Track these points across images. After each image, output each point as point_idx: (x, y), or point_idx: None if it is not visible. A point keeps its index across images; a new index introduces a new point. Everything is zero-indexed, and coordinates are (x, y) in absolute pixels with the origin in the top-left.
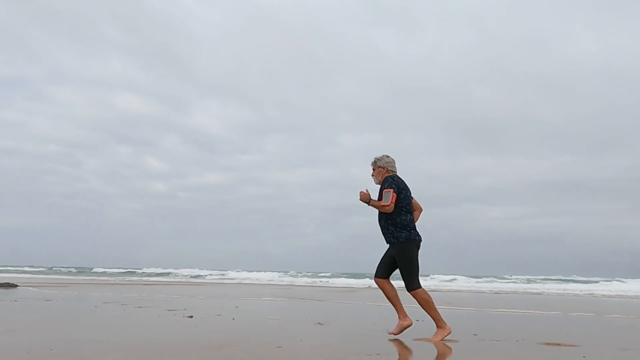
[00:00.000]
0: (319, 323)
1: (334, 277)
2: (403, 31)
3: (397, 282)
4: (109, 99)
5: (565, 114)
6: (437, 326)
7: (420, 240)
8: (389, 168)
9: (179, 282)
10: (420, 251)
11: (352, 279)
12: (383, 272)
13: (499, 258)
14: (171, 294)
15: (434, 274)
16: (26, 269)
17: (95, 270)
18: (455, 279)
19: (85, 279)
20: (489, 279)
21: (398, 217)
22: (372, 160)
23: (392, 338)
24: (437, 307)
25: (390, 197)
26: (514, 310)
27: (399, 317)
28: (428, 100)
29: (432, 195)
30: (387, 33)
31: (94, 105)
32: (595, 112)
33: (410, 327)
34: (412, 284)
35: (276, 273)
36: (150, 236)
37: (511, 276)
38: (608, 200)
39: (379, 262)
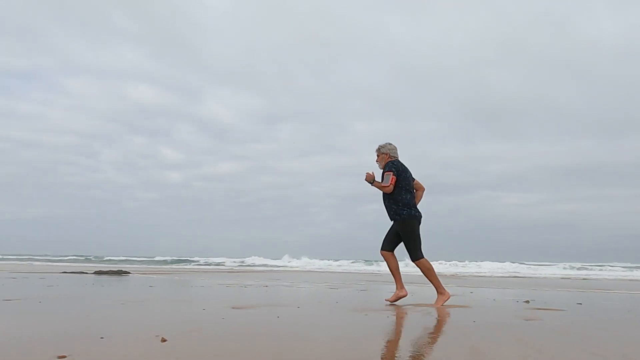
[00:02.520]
0: (578, 303)
1: (368, 264)
2: (414, 13)
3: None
4: (123, 89)
5: (583, 96)
6: (437, 292)
7: (421, 217)
8: (391, 154)
9: (262, 270)
10: (436, 237)
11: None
12: (388, 246)
13: (516, 244)
14: (303, 281)
15: (455, 260)
16: (51, 257)
17: (107, 258)
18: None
19: (161, 268)
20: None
21: (399, 195)
22: (376, 147)
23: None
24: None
25: (389, 179)
26: None
27: (397, 288)
28: (441, 84)
29: (446, 182)
30: (397, 15)
31: (107, 96)
32: (614, 94)
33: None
34: (416, 255)
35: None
36: (166, 225)
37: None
38: (627, 185)
39: (384, 236)
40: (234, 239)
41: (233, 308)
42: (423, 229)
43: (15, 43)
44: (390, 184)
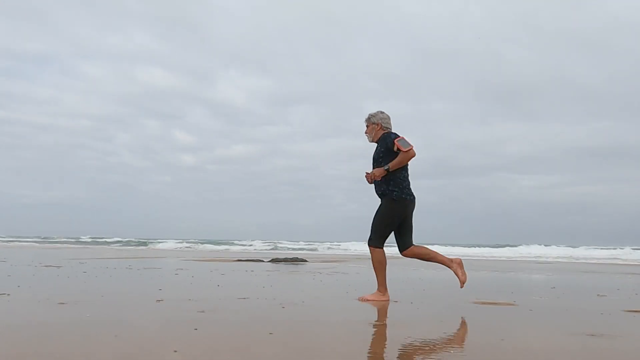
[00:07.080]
0: None
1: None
2: None
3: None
4: (134, 72)
5: (604, 74)
6: (377, 289)
7: (413, 200)
8: (383, 125)
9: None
10: (451, 219)
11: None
12: (406, 242)
13: (535, 228)
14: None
15: (472, 245)
16: (85, 239)
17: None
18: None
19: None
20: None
21: (392, 173)
22: (366, 116)
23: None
24: None
25: (406, 141)
26: None
27: (453, 270)
28: (456, 63)
29: (463, 164)
30: None
31: (120, 79)
32: (637, 71)
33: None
34: (373, 241)
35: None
36: (182, 208)
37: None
38: None
39: (395, 236)
40: (249, 222)
41: None
42: (435, 212)
43: (28, 26)
44: (410, 145)
